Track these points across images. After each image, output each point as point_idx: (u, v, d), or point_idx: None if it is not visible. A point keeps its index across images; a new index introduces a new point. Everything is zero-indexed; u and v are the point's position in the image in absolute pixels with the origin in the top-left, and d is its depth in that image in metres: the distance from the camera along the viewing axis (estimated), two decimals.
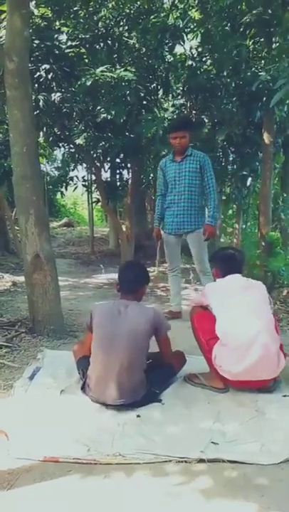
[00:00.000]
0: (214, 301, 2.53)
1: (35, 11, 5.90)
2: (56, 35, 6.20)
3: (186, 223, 3.98)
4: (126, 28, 6.65)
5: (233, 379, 2.39)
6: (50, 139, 7.77)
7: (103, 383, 2.25)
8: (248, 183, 8.55)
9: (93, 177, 8.76)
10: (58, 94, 6.26)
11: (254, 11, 5.20)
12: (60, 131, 7.28)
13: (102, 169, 8.37)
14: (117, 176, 8.55)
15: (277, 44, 5.36)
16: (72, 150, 8.31)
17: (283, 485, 1.69)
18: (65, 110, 6.63)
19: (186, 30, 6.39)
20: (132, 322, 2.31)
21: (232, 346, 2.35)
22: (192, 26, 6.47)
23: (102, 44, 6.81)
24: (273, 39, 5.68)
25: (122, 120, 6.13)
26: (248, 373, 2.32)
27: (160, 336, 2.46)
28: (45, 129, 7.08)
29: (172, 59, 6.96)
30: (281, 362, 2.38)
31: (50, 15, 6.25)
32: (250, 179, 8.37)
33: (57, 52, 6.02)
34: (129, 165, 8.07)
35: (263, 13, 5.18)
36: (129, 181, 8.19)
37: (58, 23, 6.47)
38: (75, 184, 9.67)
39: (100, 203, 8.70)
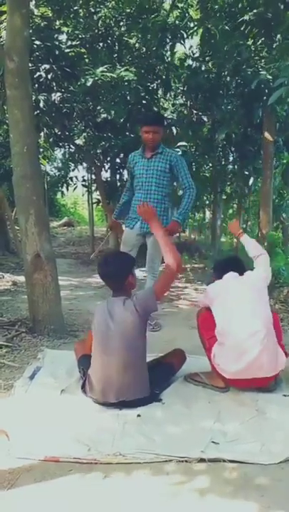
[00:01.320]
0: (214, 300, 2.54)
1: (36, 11, 5.92)
2: (56, 35, 6.21)
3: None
4: (126, 27, 6.67)
5: (231, 378, 2.39)
6: (51, 139, 7.77)
7: (103, 384, 2.25)
8: (250, 182, 8.56)
9: (93, 177, 8.77)
10: (58, 94, 6.28)
11: (255, 10, 5.20)
12: (61, 131, 7.28)
13: (103, 169, 8.37)
14: (117, 176, 8.55)
15: (278, 43, 5.36)
16: (73, 150, 8.32)
17: (283, 485, 1.69)
18: (65, 110, 6.65)
19: (186, 29, 6.39)
20: (120, 322, 2.26)
21: (230, 345, 2.35)
22: (192, 25, 6.47)
23: (102, 44, 6.83)
24: (274, 38, 5.67)
25: (122, 120, 6.15)
26: (246, 372, 2.32)
27: (154, 306, 2.32)
28: (45, 129, 7.08)
29: (172, 58, 6.97)
30: (281, 360, 2.38)
31: (50, 15, 6.26)
32: (251, 178, 8.38)
33: (57, 52, 6.03)
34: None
35: (263, 12, 5.18)
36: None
37: (58, 23, 6.48)
38: (75, 184, 9.68)
39: (100, 203, 8.70)
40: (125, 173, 8.44)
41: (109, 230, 4.25)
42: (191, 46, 7.13)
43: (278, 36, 5.61)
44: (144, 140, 3.70)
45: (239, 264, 2.76)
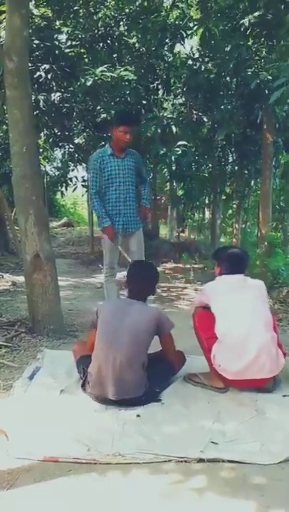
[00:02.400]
0: (213, 300, 2.53)
1: (35, 11, 5.92)
2: (56, 35, 6.21)
3: (131, 222, 3.76)
4: (126, 27, 6.66)
5: (232, 378, 2.39)
6: (51, 139, 7.77)
7: (103, 379, 2.26)
8: (250, 183, 8.57)
9: None
10: (58, 94, 6.28)
11: (255, 13, 5.20)
12: (60, 131, 7.28)
13: None
14: None
15: (279, 45, 5.36)
16: (72, 150, 8.32)
17: (283, 484, 1.69)
18: (64, 110, 6.65)
19: (186, 29, 6.39)
20: (135, 320, 2.33)
21: (230, 345, 2.35)
22: (192, 25, 6.48)
23: (102, 44, 6.83)
24: (274, 39, 5.67)
25: None
26: (247, 372, 2.32)
27: (164, 334, 2.47)
28: (45, 130, 7.08)
29: (172, 58, 6.97)
30: (280, 361, 2.38)
31: (50, 15, 6.26)
32: (251, 178, 8.39)
33: (57, 52, 6.03)
34: None
35: (264, 14, 5.18)
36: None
37: (57, 23, 6.48)
38: (74, 185, 9.68)
39: None
40: None
41: (115, 238, 3.72)
42: (191, 47, 7.14)
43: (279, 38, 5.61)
44: (119, 139, 3.61)
45: (246, 264, 2.72)
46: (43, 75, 5.98)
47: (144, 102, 6.79)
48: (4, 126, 7.70)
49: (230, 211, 12.90)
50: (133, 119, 3.95)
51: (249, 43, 5.96)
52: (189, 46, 7.29)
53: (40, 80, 6.05)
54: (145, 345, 2.36)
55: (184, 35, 6.39)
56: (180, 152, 6.08)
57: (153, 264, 2.79)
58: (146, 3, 6.47)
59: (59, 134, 7.45)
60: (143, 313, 2.38)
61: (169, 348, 2.55)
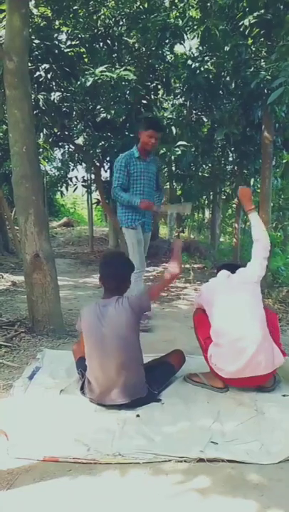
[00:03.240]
0: (208, 301, 2.54)
1: (35, 11, 5.91)
2: (56, 35, 6.20)
3: (147, 224, 4.00)
4: (126, 27, 6.66)
5: (228, 377, 2.39)
6: (50, 139, 7.77)
7: (102, 387, 2.25)
8: (251, 182, 8.56)
9: (93, 177, 8.77)
10: (58, 93, 6.27)
11: (255, 13, 5.19)
12: (60, 130, 7.28)
13: (102, 169, 8.37)
14: None
15: (279, 44, 5.35)
16: (72, 150, 8.32)
17: (283, 484, 1.69)
18: (64, 110, 6.64)
19: (186, 29, 6.38)
20: (114, 321, 2.25)
21: (225, 345, 2.35)
22: (192, 25, 6.47)
23: (101, 43, 6.82)
24: (274, 39, 5.67)
25: (121, 119, 6.14)
26: (243, 371, 2.32)
27: (148, 306, 2.35)
28: (45, 130, 7.07)
29: (172, 58, 6.96)
30: (277, 357, 2.38)
31: (49, 14, 6.25)
32: (251, 178, 8.39)
33: (56, 51, 6.02)
34: None
35: (264, 14, 5.18)
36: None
37: (57, 23, 6.47)
38: (74, 185, 9.68)
39: (99, 203, 8.70)
40: None
41: (157, 211, 3.95)
42: (190, 48, 7.15)
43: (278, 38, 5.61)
44: (146, 143, 3.75)
45: (234, 266, 2.75)
46: (43, 74, 5.98)
47: (143, 101, 6.79)
48: (4, 126, 7.70)
49: (229, 211, 12.90)
50: (160, 125, 4.09)
51: (249, 43, 5.96)
52: (189, 46, 7.31)
53: (40, 80, 6.05)
54: (133, 343, 2.29)
55: (184, 35, 6.39)
56: (180, 152, 6.08)
57: (125, 256, 2.66)
58: (146, 4, 6.47)
59: (59, 133, 7.44)
60: (117, 312, 2.25)
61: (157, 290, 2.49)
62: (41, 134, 7.12)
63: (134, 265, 2.57)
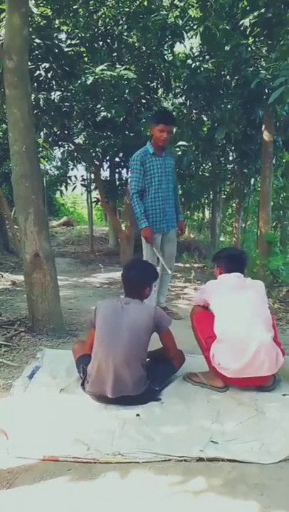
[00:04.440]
0: (214, 298, 2.54)
1: (35, 10, 5.90)
2: (56, 34, 6.19)
3: (172, 220, 3.94)
4: (126, 26, 6.64)
5: (231, 376, 2.39)
6: (50, 138, 7.76)
7: (102, 377, 2.27)
8: (251, 182, 8.57)
9: (92, 176, 8.76)
10: (58, 93, 6.27)
11: (256, 13, 5.19)
12: (60, 130, 7.27)
13: (102, 168, 8.37)
14: (117, 175, 8.55)
15: (279, 44, 5.35)
16: (72, 149, 8.31)
17: (283, 484, 1.69)
18: (64, 109, 6.63)
19: (186, 28, 6.37)
20: (132, 318, 2.34)
21: (229, 343, 2.35)
22: (192, 24, 6.46)
23: (101, 43, 6.81)
24: (274, 38, 5.67)
25: (121, 119, 6.13)
26: (247, 370, 2.33)
27: (163, 331, 2.48)
28: (44, 129, 7.07)
29: (172, 57, 6.95)
30: (279, 359, 2.38)
31: (49, 13, 6.24)
32: (252, 178, 8.40)
33: (56, 50, 6.01)
34: (128, 164, 8.05)
35: (264, 13, 5.17)
36: (129, 180, 8.17)
37: (57, 22, 6.46)
38: (74, 184, 9.67)
39: (99, 202, 8.70)
40: (124, 172, 8.43)
41: (152, 241, 3.78)
42: (191, 46, 7.12)
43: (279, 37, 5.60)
44: (158, 139, 3.72)
45: (244, 263, 2.75)
46: (43, 73, 5.97)
47: (143, 101, 6.78)
48: (4, 125, 7.69)
49: (230, 210, 12.90)
50: (171, 118, 3.95)
51: (249, 42, 5.95)
52: (189, 45, 7.30)
53: (40, 79, 6.04)
54: (144, 343, 2.36)
55: (184, 34, 6.37)
56: (180, 152, 6.07)
57: (146, 263, 2.79)
58: (146, 2, 6.46)
59: (59, 133, 7.44)
60: (140, 312, 2.38)
61: (170, 344, 2.56)
62: (41, 133, 7.11)
63: (157, 273, 2.65)
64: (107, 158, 8.00)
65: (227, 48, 5.69)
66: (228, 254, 2.82)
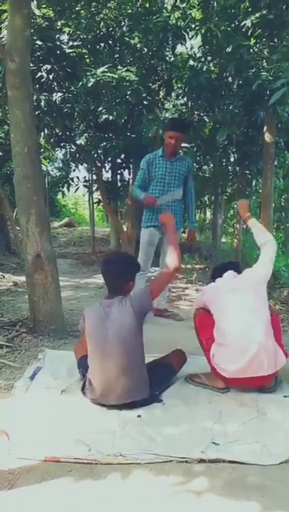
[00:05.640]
0: (213, 300, 2.54)
1: (37, 11, 5.91)
2: (58, 36, 6.21)
3: (176, 223, 3.95)
4: (128, 28, 6.65)
5: (231, 377, 2.39)
6: (52, 140, 7.78)
7: (103, 388, 2.24)
8: (253, 183, 8.56)
9: (94, 177, 8.78)
10: (60, 94, 6.27)
11: (257, 14, 5.19)
12: (62, 131, 7.28)
13: (103, 169, 8.38)
14: (118, 176, 8.56)
15: (281, 45, 5.35)
16: (74, 150, 8.32)
17: (284, 485, 1.68)
18: (66, 110, 6.64)
19: (187, 29, 6.38)
20: (117, 323, 2.23)
21: (229, 344, 2.35)
22: (193, 26, 6.47)
23: (103, 44, 6.82)
24: (276, 40, 5.67)
25: (123, 120, 6.14)
26: (246, 370, 2.32)
27: (149, 291, 2.31)
28: (46, 130, 7.08)
29: (174, 59, 6.96)
30: (280, 359, 2.38)
31: (51, 15, 6.25)
32: (253, 179, 8.39)
33: (58, 52, 6.02)
34: (130, 165, 8.07)
35: (266, 14, 5.17)
36: (130, 181, 8.19)
37: (59, 24, 6.47)
38: (76, 185, 9.68)
39: (101, 204, 8.71)
40: (126, 173, 8.45)
41: (154, 203, 3.87)
42: (192, 47, 7.12)
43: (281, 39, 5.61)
44: (167, 144, 3.88)
45: (237, 265, 2.79)
46: (45, 75, 5.98)
47: (145, 102, 6.78)
48: (6, 127, 7.71)
49: (231, 211, 12.89)
50: (178, 125, 4.07)
51: (251, 44, 5.95)
52: (191, 46, 7.29)
53: (42, 81, 6.05)
54: (137, 345, 2.27)
55: (186, 35, 6.38)
56: (181, 153, 6.07)
57: (126, 255, 2.65)
58: (147, 4, 6.47)
59: (60, 134, 7.45)
60: (122, 315, 2.23)
61: (157, 287, 2.38)
62: (42, 133, 7.12)
63: (139, 265, 2.52)
64: (109, 159, 8.01)
65: (228, 49, 5.68)
66: (221, 264, 2.91)
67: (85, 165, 9.15)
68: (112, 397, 2.23)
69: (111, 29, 6.69)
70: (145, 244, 4.00)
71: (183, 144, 6.16)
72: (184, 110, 7.44)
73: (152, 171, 3.95)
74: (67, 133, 7.31)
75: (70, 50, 6.24)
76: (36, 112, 5.69)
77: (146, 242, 3.99)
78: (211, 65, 6.42)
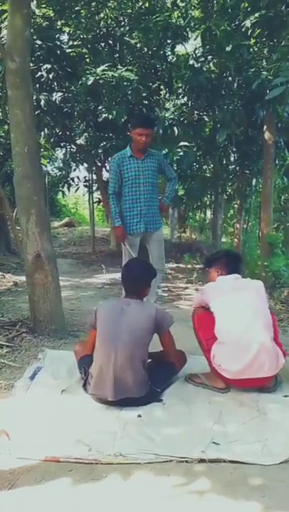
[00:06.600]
0: (214, 300, 2.54)
1: (37, 11, 5.91)
2: (58, 35, 6.21)
3: (152, 222, 3.93)
4: (127, 27, 6.66)
5: (232, 377, 2.39)
6: (52, 139, 7.78)
7: (104, 380, 2.26)
8: (252, 183, 8.57)
9: (94, 177, 8.78)
10: (60, 94, 6.28)
11: (257, 14, 5.19)
12: (62, 131, 7.29)
13: (103, 169, 8.38)
14: None
15: (281, 45, 5.36)
16: (74, 150, 8.32)
17: (284, 485, 1.68)
18: (66, 110, 6.64)
19: (187, 29, 6.38)
20: (133, 319, 2.33)
21: (230, 344, 2.35)
22: (193, 25, 6.48)
23: (103, 44, 6.82)
24: (276, 39, 5.67)
25: (123, 120, 6.14)
26: (247, 371, 2.32)
27: (163, 333, 2.47)
28: (46, 130, 7.08)
29: (174, 58, 6.96)
30: (280, 360, 2.38)
31: (51, 15, 6.26)
32: (253, 179, 8.40)
33: (58, 52, 6.03)
34: None
35: (266, 14, 5.17)
36: None
37: (59, 23, 6.48)
38: (76, 185, 9.69)
39: (101, 203, 8.71)
40: None
41: (124, 239, 3.91)
42: (195, 48, 7.13)
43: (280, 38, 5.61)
44: (137, 142, 3.75)
45: (241, 262, 2.77)
46: (45, 75, 5.99)
47: (145, 102, 6.79)
48: (6, 126, 7.71)
49: (231, 211, 12.89)
50: (149, 121, 3.95)
51: (251, 43, 5.96)
52: (191, 46, 7.30)
53: (42, 80, 6.06)
54: (145, 344, 2.36)
55: (186, 35, 6.38)
56: (181, 153, 6.08)
57: (145, 263, 2.80)
58: (147, 3, 6.47)
59: (60, 134, 7.45)
60: (140, 312, 2.38)
61: (170, 346, 2.54)
62: (42, 133, 7.13)
63: (155, 272, 2.67)
64: (109, 159, 8.01)
65: (228, 48, 5.69)
66: (225, 255, 2.86)
67: (85, 165, 9.15)
68: (112, 390, 2.24)
69: (111, 29, 6.69)
70: (128, 250, 3.94)
71: (183, 143, 6.19)
72: (184, 110, 7.43)
73: (124, 173, 3.81)
74: (67, 132, 7.32)
75: (70, 50, 6.26)
76: (36, 112, 5.70)
77: (129, 247, 3.94)
78: (211, 64, 6.42)
